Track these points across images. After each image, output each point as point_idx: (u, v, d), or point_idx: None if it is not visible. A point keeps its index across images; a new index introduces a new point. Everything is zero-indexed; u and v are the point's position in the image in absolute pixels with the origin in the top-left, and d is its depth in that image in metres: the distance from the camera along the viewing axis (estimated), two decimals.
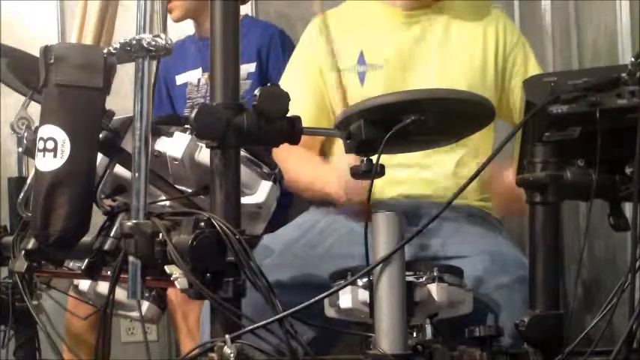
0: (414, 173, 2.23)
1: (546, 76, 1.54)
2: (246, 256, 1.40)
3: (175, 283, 1.63)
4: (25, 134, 1.88)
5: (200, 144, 1.60)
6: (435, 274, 1.69)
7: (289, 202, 2.68)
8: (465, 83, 2.27)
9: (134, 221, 1.42)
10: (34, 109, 1.72)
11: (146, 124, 1.44)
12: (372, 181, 1.54)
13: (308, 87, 2.36)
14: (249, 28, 2.83)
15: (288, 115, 1.50)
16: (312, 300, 1.45)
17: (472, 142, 2.21)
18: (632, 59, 1.49)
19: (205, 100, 2.79)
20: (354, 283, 1.62)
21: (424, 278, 1.69)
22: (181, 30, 2.99)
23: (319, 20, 2.43)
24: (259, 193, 1.68)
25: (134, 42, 1.43)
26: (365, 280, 1.61)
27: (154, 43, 1.43)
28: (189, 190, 1.64)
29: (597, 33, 2.61)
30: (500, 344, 1.53)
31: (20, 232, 1.73)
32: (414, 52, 2.32)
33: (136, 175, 1.43)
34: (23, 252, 1.69)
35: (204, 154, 1.59)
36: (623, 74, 1.49)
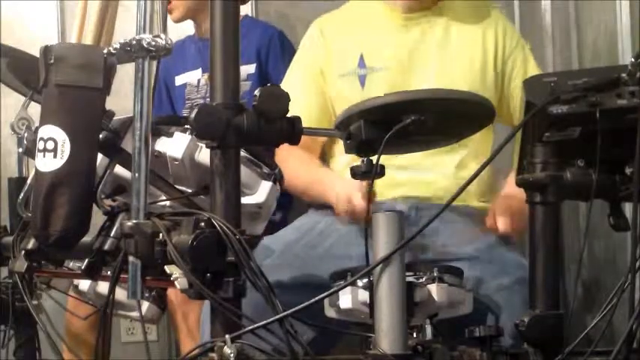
0: (414, 175, 2.23)
1: (546, 76, 1.54)
2: (246, 256, 1.40)
3: (175, 283, 1.64)
4: (25, 134, 1.88)
5: (200, 144, 1.60)
6: (435, 274, 1.70)
7: (289, 205, 2.68)
8: (465, 85, 2.27)
9: (134, 221, 1.42)
10: (34, 110, 1.72)
11: (146, 125, 1.44)
12: (373, 181, 1.55)
13: (309, 90, 2.36)
14: (249, 28, 2.83)
15: (289, 115, 1.50)
16: (312, 300, 1.45)
17: (472, 143, 2.21)
18: (632, 59, 1.49)
19: (205, 101, 2.80)
20: (354, 283, 1.62)
21: (424, 278, 1.69)
22: (181, 30, 2.98)
23: (319, 23, 2.43)
24: (259, 193, 1.67)
25: (134, 42, 1.43)
26: (365, 280, 1.61)
27: (154, 43, 1.43)
28: (190, 190, 1.64)
29: (597, 33, 2.61)
30: (500, 344, 1.53)
31: (20, 232, 1.73)
32: (414, 54, 2.32)
33: (136, 175, 1.43)
34: (23, 252, 1.68)
35: (204, 155, 1.59)
36: (623, 74, 1.49)
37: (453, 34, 2.35)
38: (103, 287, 2.21)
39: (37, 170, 1.54)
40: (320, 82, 2.36)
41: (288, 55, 2.59)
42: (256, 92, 1.47)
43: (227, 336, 1.36)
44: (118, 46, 1.46)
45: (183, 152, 1.62)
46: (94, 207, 1.57)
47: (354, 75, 2.32)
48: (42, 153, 1.52)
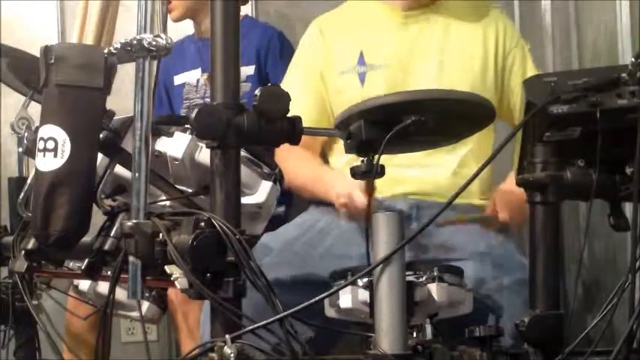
0: (415, 172, 2.23)
1: (546, 76, 1.54)
2: (246, 256, 1.40)
3: (175, 283, 1.63)
4: (26, 134, 1.88)
5: (200, 144, 1.60)
6: (435, 274, 1.70)
7: (289, 202, 2.68)
8: (465, 83, 2.27)
9: (134, 221, 1.42)
10: (35, 109, 1.72)
11: (146, 124, 1.44)
12: (373, 182, 1.55)
13: (308, 90, 2.36)
14: (249, 28, 2.83)
15: (289, 115, 1.50)
16: (312, 300, 1.45)
17: (473, 141, 2.21)
18: (632, 59, 1.49)
19: (203, 101, 2.80)
20: (354, 283, 1.62)
21: (424, 278, 1.69)
22: (181, 30, 2.99)
23: (319, 22, 2.44)
24: (259, 193, 1.67)
25: (135, 42, 1.43)
26: (365, 280, 1.61)
27: (154, 43, 1.43)
28: (190, 190, 1.64)
29: (597, 33, 2.61)
30: (500, 344, 1.53)
31: (20, 232, 1.73)
32: (414, 51, 2.32)
33: (136, 175, 1.43)
34: (23, 252, 1.68)
35: (204, 154, 1.59)
36: (623, 74, 1.49)
37: (453, 32, 2.35)
38: (103, 287, 2.22)
39: (37, 170, 1.54)
40: (319, 82, 2.36)
41: (288, 56, 2.59)
42: (257, 92, 1.47)
43: (227, 336, 1.36)
44: (118, 45, 1.47)
45: (183, 152, 1.62)
46: (94, 207, 1.57)
47: (354, 72, 2.32)
48: (42, 153, 1.52)
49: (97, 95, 1.55)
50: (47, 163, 1.51)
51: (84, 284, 2.28)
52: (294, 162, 2.24)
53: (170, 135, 1.64)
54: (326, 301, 1.72)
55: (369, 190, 1.77)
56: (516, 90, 2.33)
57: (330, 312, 1.75)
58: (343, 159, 2.25)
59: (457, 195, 1.49)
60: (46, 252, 1.65)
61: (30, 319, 2.11)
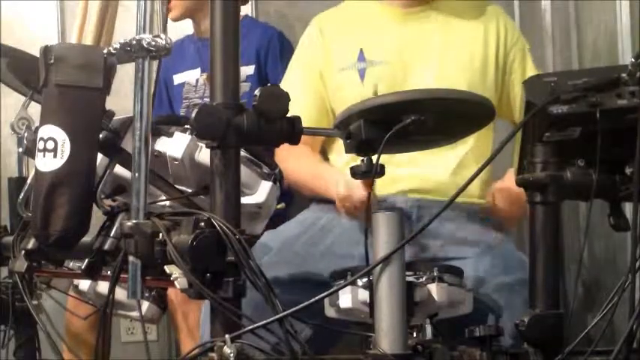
0: (415, 170, 2.23)
1: (546, 76, 1.54)
2: (246, 256, 1.40)
3: (175, 283, 1.64)
4: (25, 134, 1.88)
5: (200, 144, 1.60)
6: (435, 274, 1.70)
7: (289, 201, 2.68)
8: (465, 80, 2.27)
9: (134, 221, 1.42)
10: (34, 109, 1.72)
11: (146, 124, 1.44)
12: (373, 182, 1.55)
13: (308, 89, 2.36)
14: (249, 29, 2.83)
15: (289, 115, 1.50)
16: (312, 300, 1.45)
17: (473, 139, 2.21)
18: (632, 59, 1.49)
19: (203, 101, 2.80)
20: (354, 282, 1.62)
21: (424, 278, 1.69)
22: (180, 30, 2.99)
23: (318, 20, 2.44)
24: (259, 193, 1.68)
25: (134, 42, 1.43)
26: (365, 279, 1.61)
27: (154, 43, 1.43)
28: (189, 190, 1.64)
29: (597, 33, 2.61)
30: (500, 344, 1.53)
31: (20, 232, 1.73)
32: (414, 47, 2.32)
33: (136, 175, 1.43)
34: (23, 252, 1.68)
35: (204, 154, 1.59)
36: (623, 74, 1.49)
37: (453, 29, 2.34)
38: (103, 287, 2.22)
39: (37, 170, 1.54)
40: (318, 80, 2.36)
41: (288, 56, 2.59)
42: (256, 92, 1.47)
43: (227, 336, 1.36)
44: (118, 46, 1.47)
45: (183, 152, 1.62)
46: (94, 207, 1.57)
47: (354, 69, 2.32)
48: (42, 153, 1.52)
49: (97, 95, 1.55)
50: (47, 163, 1.51)
51: (84, 284, 2.28)
52: (294, 159, 2.24)
53: (170, 135, 1.64)
54: (326, 301, 1.72)
55: (369, 190, 1.76)
56: (516, 87, 2.33)
57: (330, 312, 1.75)
58: (343, 158, 2.25)
59: (457, 195, 1.49)
60: (46, 252, 1.65)
61: (30, 319, 2.11)
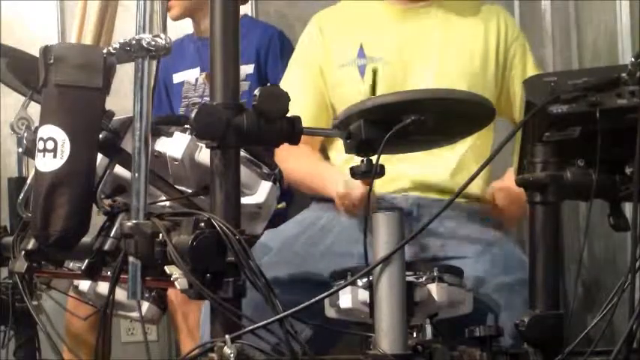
0: (415, 169, 2.23)
1: (546, 76, 1.54)
2: (245, 256, 1.40)
3: (175, 283, 1.63)
4: (25, 134, 1.88)
5: (200, 144, 1.60)
6: (435, 274, 1.70)
7: (289, 201, 2.68)
8: (465, 77, 2.28)
9: (134, 221, 1.42)
10: (34, 109, 1.72)
11: (146, 125, 1.44)
12: (373, 182, 1.54)
13: (308, 87, 2.36)
14: (249, 28, 2.83)
15: (288, 115, 1.50)
16: (312, 300, 1.45)
17: (473, 139, 2.21)
18: (632, 59, 1.49)
19: (202, 100, 2.80)
20: (354, 283, 1.62)
21: (424, 278, 1.69)
22: (180, 29, 2.99)
23: (318, 19, 2.44)
24: (259, 193, 1.68)
25: (134, 42, 1.43)
26: (365, 280, 1.61)
27: (153, 43, 1.43)
28: (189, 191, 1.64)
29: (597, 33, 2.61)
30: (500, 344, 1.53)
31: (20, 233, 1.73)
32: (414, 44, 2.32)
33: (136, 175, 1.43)
34: (23, 252, 1.68)
35: (204, 155, 1.59)
36: (623, 74, 1.48)
37: (453, 25, 2.34)
38: (103, 287, 2.22)
39: (37, 170, 1.54)
40: (318, 77, 2.36)
41: (288, 55, 2.59)
42: (256, 92, 1.47)
43: (227, 336, 1.35)
44: (117, 46, 1.46)
45: (183, 152, 1.62)
46: (94, 207, 1.57)
47: (354, 65, 2.32)
48: (42, 153, 1.52)
49: (97, 95, 1.55)
50: (47, 163, 1.51)
51: (84, 284, 2.28)
52: (294, 159, 2.24)
53: (170, 135, 1.64)
54: (326, 301, 1.72)
55: (368, 189, 1.76)
56: (516, 84, 2.33)
57: (330, 312, 1.75)
58: (343, 156, 2.25)
59: (457, 195, 1.49)
60: (46, 252, 1.65)
61: (30, 320, 2.11)
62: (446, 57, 2.31)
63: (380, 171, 1.53)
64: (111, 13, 1.72)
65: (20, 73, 2.03)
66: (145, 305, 2.39)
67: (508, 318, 1.87)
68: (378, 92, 2.16)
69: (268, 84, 1.71)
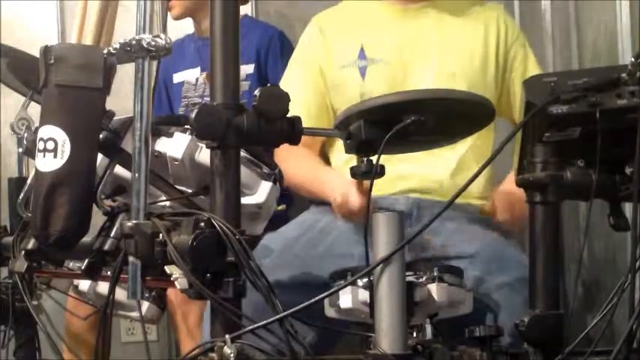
0: (414, 169, 2.23)
1: (546, 76, 1.54)
2: (246, 257, 1.40)
3: (175, 283, 1.63)
4: (25, 135, 1.88)
5: (200, 144, 1.60)
6: (435, 274, 1.70)
7: (289, 203, 2.68)
8: (465, 77, 2.27)
9: (134, 221, 1.42)
10: (34, 110, 1.72)
11: (146, 125, 1.44)
12: (372, 182, 1.54)
13: (308, 87, 2.36)
14: (249, 28, 2.83)
15: (289, 115, 1.50)
16: (312, 300, 1.45)
17: (474, 139, 2.21)
18: (632, 59, 1.49)
19: (202, 100, 2.80)
20: (354, 283, 1.62)
21: (424, 278, 1.69)
22: (181, 29, 2.99)
23: (318, 19, 2.44)
24: (259, 193, 1.67)
25: (134, 42, 1.43)
26: (365, 280, 1.61)
27: (153, 43, 1.43)
28: (190, 191, 1.64)
29: (597, 33, 2.61)
30: (500, 344, 1.53)
31: (20, 233, 1.73)
32: (415, 45, 2.32)
33: (136, 175, 1.43)
34: (23, 252, 1.68)
35: (204, 155, 1.59)
36: (623, 74, 1.48)
37: (452, 26, 2.34)
38: (103, 287, 2.22)
39: (37, 170, 1.54)
40: (318, 78, 2.36)
41: (288, 55, 2.59)
42: (256, 92, 1.47)
43: (227, 336, 1.36)
44: (117, 46, 1.46)
45: (183, 152, 1.62)
46: (94, 207, 1.57)
47: (355, 66, 2.32)
48: (42, 153, 1.52)
49: (97, 95, 1.55)
50: (47, 163, 1.51)
51: (84, 284, 2.28)
52: (293, 160, 2.24)
53: (170, 135, 1.64)
54: (326, 301, 1.72)
55: (368, 191, 1.76)
56: (517, 85, 2.33)
57: (330, 312, 1.75)
58: (344, 156, 2.25)
59: (457, 196, 1.49)
60: (46, 252, 1.65)
61: (30, 319, 2.11)
62: (446, 57, 2.31)
63: (380, 171, 1.53)
64: (111, 13, 1.72)
65: (20, 73, 2.03)
66: (145, 305, 2.39)
67: (508, 318, 1.87)
68: (379, 92, 2.15)
69: (268, 84, 1.72)
